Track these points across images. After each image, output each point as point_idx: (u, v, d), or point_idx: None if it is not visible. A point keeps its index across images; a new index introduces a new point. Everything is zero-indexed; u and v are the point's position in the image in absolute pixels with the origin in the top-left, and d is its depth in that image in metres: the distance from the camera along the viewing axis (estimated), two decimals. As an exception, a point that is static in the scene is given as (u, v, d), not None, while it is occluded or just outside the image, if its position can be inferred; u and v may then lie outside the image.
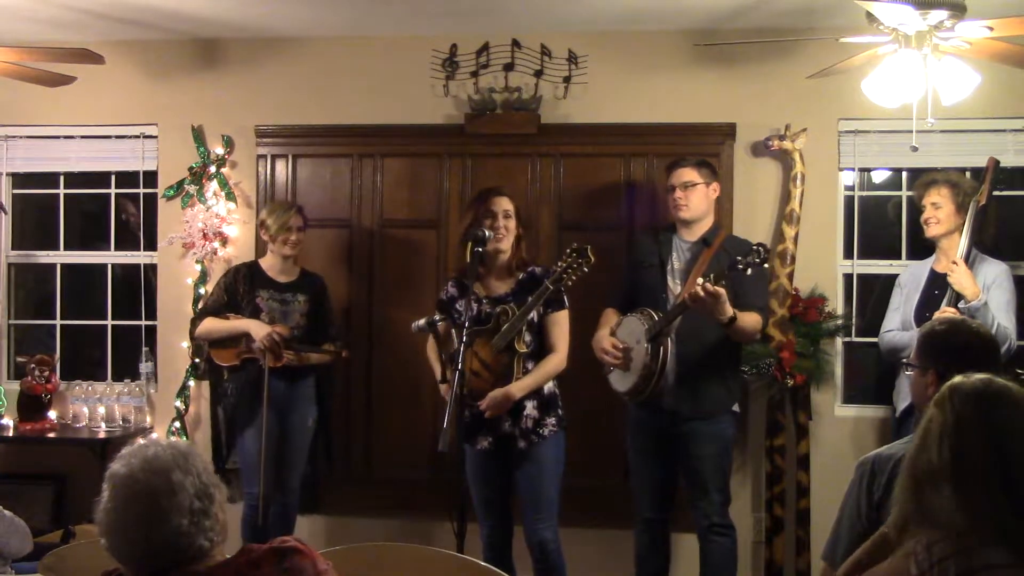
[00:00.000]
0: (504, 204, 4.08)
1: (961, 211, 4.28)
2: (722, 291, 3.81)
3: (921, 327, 2.82)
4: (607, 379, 4.24)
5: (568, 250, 3.87)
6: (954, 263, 4.16)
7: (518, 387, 3.94)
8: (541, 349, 4.04)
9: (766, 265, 3.92)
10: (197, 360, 5.19)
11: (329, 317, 4.74)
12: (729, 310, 3.89)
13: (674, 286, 4.19)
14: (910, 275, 4.48)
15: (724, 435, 4.19)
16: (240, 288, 4.61)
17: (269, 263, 4.68)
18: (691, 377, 4.10)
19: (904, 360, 2.76)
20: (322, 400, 4.73)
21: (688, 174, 4.21)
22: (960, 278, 4.11)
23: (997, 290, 4.20)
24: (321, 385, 4.72)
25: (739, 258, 3.84)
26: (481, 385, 3.95)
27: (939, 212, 4.32)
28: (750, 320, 4.05)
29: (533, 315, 3.98)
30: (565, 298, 4.05)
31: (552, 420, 4.01)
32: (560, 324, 4.04)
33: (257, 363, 4.48)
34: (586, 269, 3.85)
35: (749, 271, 3.83)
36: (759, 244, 3.90)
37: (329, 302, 4.78)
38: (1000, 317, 4.11)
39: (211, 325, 4.58)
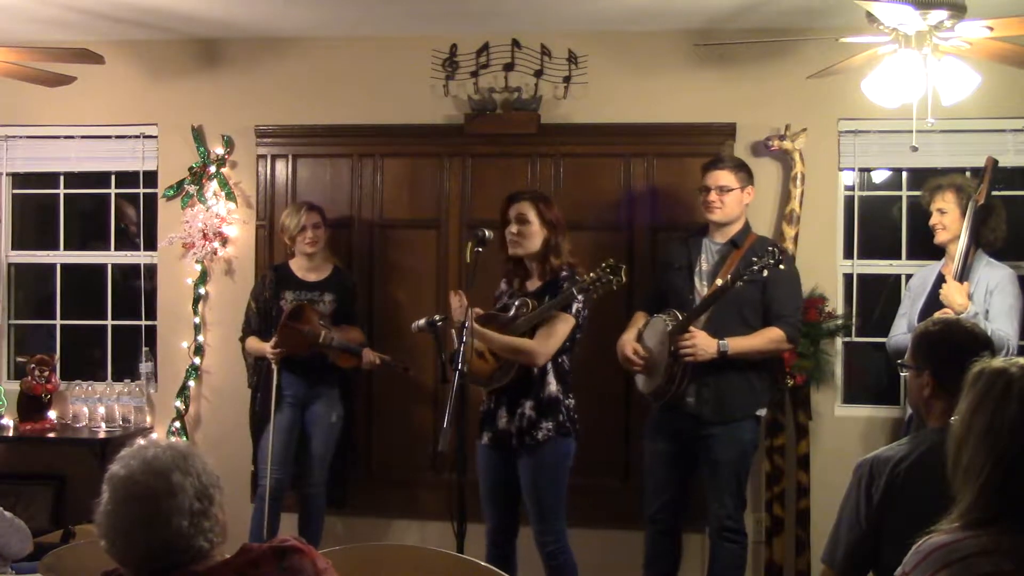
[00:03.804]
0: (519, 209, 4.04)
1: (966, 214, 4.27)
2: (696, 340, 3.96)
3: (915, 328, 2.81)
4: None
5: (603, 264, 3.84)
6: (944, 281, 4.16)
7: (480, 328, 3.84)
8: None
9: (782, 267, 3.85)
10: (197, 360, 5.20)
11: (355, 318, 4.79)
12: (712, 348, 3.98)
13: (700, 287, 4.19)
14: (919, 279, 4.46)
15: (744, 440, 4.16)
16: (266, 293, 4.73)
17: (297, 263, 4.78)
18: (715, 380, 4.08)
19: (899, 362, 2.73)
20: (347, 399, 4.81)
21: (725, 177, 4.19)
22: (948, 293, 4.10)
23: (1000, 295, 4.16)
24: (346, 385, 4.80)
25: (754, 259, 3.85)
26: (483, 368, 3.96)
27: (945, 218, 4.31)
28: (759, 341, 4.11)
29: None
30: (575, 306, 3.98)
31: (549, 424, 3.96)
32: (551, 322, 3.94)
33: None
34: (615, 287, 3.85)
35: (765, 272, 3.83)
36: (773, 244, 3.90)
37: (357, 303, 4.85)
38: (1000, 322, 4.09)
39: (250, 346, 4.77)
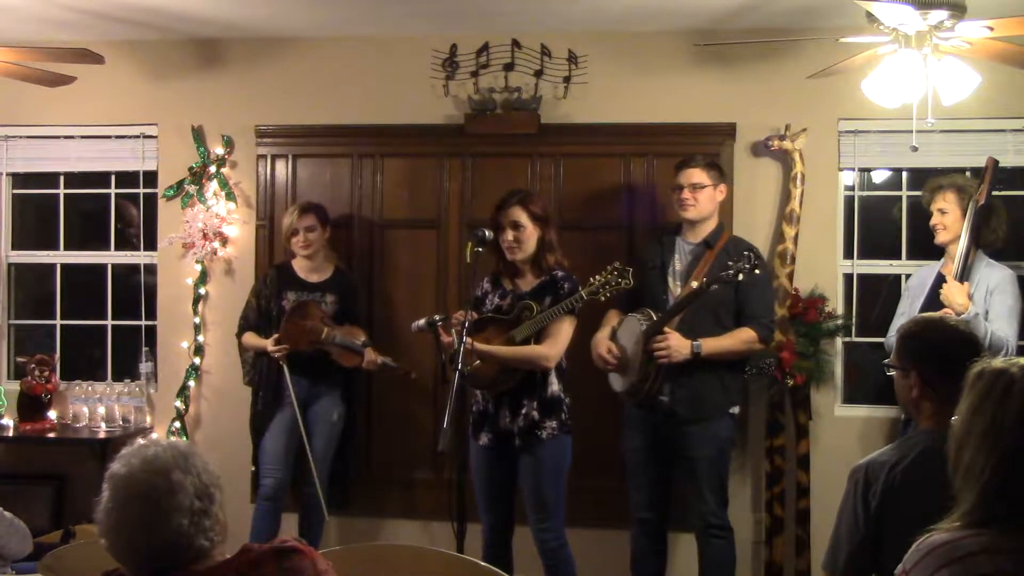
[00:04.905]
0: (513, 215, 4.05)
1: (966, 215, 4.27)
2: (670, 341, 3.98)
3: (899, 328, 2.79)
4: (606, 378, 4.27)
5: (609, 267, 3.88)
6: (944, 281, 4.16)
7: (484, 346, 3.93)
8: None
9: (757, 272, 3.91)
10: (197, 360, 5.20)
11: (358, 320, 4.78)
12: (686, 350, 4.00)
13: (674, 287, 4.23)
14: (918, 279, 4.47)
15: (719, 437, 4.20)
16: (267, 291, 4.73)
17: (299, 263, 4.78)
18: (688, 379, 4.12)
19: (885, 362, 2.72)
20: (348, 398, 4.81)
21: (697, 175, 4.24)
22: (949, 293, 4.11)
23: (1000, 295, 4.17)
24: (348, 385, 4.80)
25: (730, 263, 3.88)
26: (485, 371, 3.96)
27: (946, 218, 4.31)
28: (732, 341, 4.15)
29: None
30: (577, 307, 4.00)
31: (553, 423, 3.99)
32: (557, 324, 3.99)
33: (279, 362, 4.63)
34: (623, 289, 3.88)
35: (740, 276, 3.85)
36: (748, 251, 3.93)
37: (360, 304, 4.86)
38: (1000, 323, 4.09)
39: (248, 341, 4.75)
